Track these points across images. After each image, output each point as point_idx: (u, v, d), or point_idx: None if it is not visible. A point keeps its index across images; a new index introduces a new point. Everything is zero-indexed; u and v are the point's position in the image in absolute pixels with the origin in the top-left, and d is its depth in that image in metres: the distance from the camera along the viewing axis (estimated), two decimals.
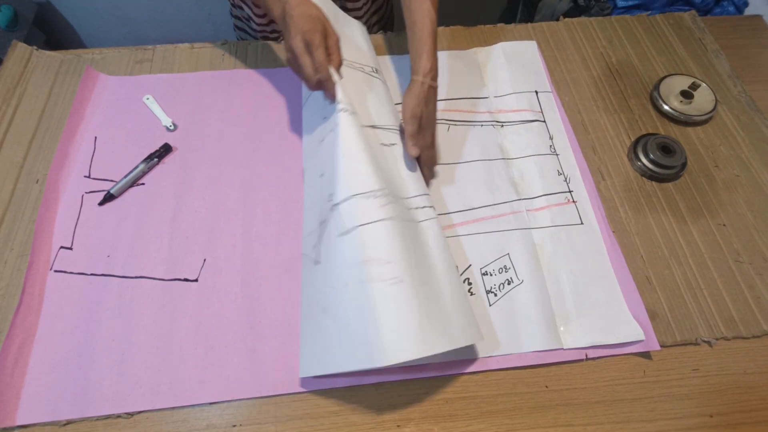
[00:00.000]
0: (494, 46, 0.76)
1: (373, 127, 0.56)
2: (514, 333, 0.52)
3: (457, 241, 0.58)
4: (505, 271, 0.55)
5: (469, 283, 0.55)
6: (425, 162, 0.58)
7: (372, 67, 0.63)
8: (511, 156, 0.65)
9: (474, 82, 0.72)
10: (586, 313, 0.53)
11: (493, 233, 0.58)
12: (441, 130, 0.67)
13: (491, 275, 0.55)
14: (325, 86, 0.53)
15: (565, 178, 0.63)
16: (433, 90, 0.57)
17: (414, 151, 0.55)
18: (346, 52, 0.57)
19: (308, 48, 0.51)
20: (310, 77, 0.51)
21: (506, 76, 0.72)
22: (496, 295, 0.54)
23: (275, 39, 0.80)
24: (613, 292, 0.55)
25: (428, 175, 0.60)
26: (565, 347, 0.51)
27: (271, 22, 0.78)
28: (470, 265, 0.56)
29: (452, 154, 0.65)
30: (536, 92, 0.71)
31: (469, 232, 0.58)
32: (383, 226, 0.47)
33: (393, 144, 0.57)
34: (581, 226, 0.60)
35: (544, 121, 0.68)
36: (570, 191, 0.62)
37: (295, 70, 0.53)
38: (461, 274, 0.55)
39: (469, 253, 0.57)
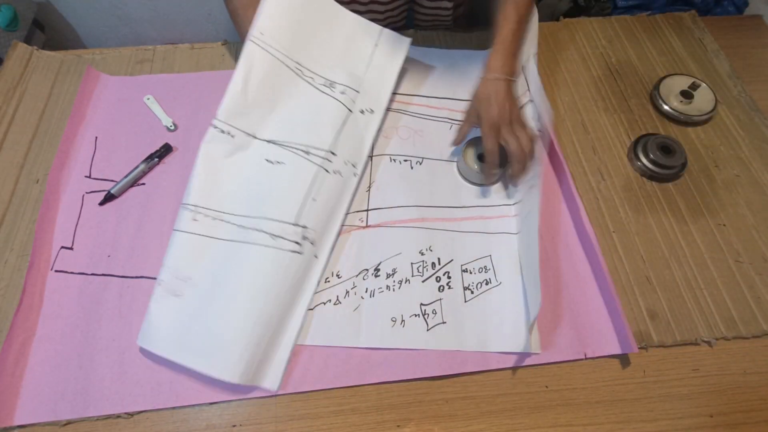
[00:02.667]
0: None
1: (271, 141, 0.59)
2: (484, 332, 0.52)
3: (443, 235, 0.58)
4: (485, 272, 0.56)
5: (449, 277, 0.56)
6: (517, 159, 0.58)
7: (327, 80, 0.63)
8: None
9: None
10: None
11: (479, 233, 0.59)
12: (443, 128, 0.68)
13: (471, 273, 0.56)
14: None
15: None
16: (502, 84, 0.58)
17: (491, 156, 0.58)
18: (305, 57, 0.63)
19: None
20: None
21: None
22: (472, 292, 0.55)
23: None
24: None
25: (517, 171, 0.59)
26: (538, 351, 0.51)
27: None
28: (452, 260, 0.57)
29: (451, 151, 0.66)
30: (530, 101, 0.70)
31: (456, 229, 0.59)
32: None
33: (281, 163, 0.57)
34: None
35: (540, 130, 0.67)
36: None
37: None
38: (442, 267, 0.56)
39: (453, 248, 0.58)
